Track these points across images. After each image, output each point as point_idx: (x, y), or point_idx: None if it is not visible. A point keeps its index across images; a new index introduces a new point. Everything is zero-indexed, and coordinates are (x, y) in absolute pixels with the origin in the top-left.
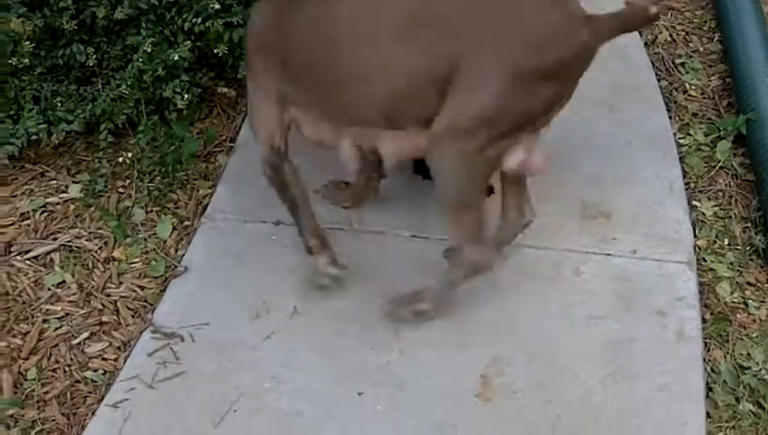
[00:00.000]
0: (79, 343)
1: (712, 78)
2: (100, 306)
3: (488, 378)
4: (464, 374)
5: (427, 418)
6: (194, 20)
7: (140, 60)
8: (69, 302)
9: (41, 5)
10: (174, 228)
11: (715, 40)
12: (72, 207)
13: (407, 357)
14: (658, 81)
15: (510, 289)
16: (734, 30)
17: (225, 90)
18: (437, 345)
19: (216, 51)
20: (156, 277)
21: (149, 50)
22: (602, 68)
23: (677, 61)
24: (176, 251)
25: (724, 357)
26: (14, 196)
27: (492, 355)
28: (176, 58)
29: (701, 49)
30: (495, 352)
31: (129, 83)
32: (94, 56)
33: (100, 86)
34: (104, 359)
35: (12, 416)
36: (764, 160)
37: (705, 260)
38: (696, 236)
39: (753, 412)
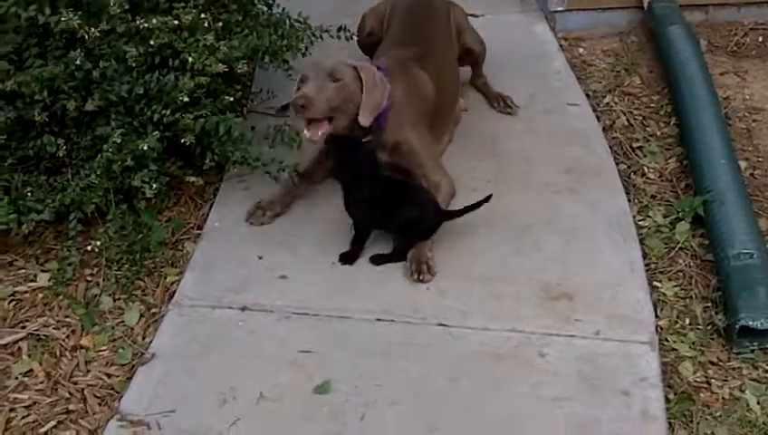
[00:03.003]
0: (46, 432)
1: (669, 161)
2: (68, 395)
3: None
4: None
5: None
6: (163, 112)
7: (110, 150)
8: (36, 390)
9: (13, 98)
10: (141, 316)
11: (671, 124)
12: (40, 295)
13: None
14: (617, 164)
15: (475, 371)
16: (689, 114)
17: (193, 178)
18: (405, 429)
19: (183, 141)
20: (123, 365)
21: (119, 140)
22: (564, 153)
23: (635, 145)
24: (143, 338)
25: None
26: None
27: None
28: (144, 148)
29: (658, 133)
30: None
31: (98, 173)
32: (64, 147)
33: (69, 176)
34: None
35: None
36: (722, 241)
37: (667, 340)
38: (657, 316)
39: None
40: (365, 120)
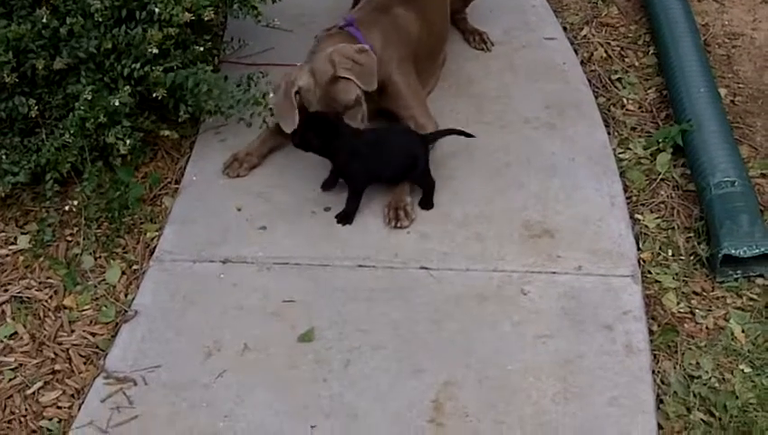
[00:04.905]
0: (33, 393)
1: (649, 91)
2: (53, 355)
3: (440, 402)
4: (416, 400)
5: None
6: (133, 66)
7: (82, 108)
8: (22, 352)
9: None
10: (123, 273)
11: (650, 54)
12: (21, 258)
13: (359, 386)
14: (596, 97)
15: (458, 312)
16: (668, 43)
17: (168, 132)
18: (390, 372)
19: (155, 95)
20: (106, 323)
21: (90, 97)
22: (542, 89)
23: (614, 77)
24: (125, 296)
25: (674, 368)
26: None
27: (444, 379)
28: (116, 104)
29: (636, 63)
30: (447, 375)
31: (72, 132)
32: (36, 107)
33: (44, 136)
34: (59, 407)
35: None
36: (703, 170)
37: (650, 272)
38: (640, 248)
39: (704, 421)
40: (372, 86)
